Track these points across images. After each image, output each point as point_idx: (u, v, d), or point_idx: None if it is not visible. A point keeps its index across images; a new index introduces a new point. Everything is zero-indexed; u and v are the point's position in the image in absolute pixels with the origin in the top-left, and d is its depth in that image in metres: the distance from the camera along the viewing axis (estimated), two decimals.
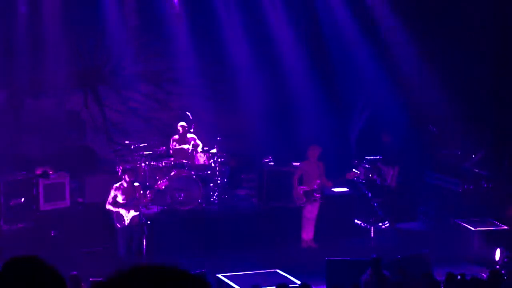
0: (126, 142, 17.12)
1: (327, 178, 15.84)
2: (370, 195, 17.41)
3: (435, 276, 11.44)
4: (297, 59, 19.00)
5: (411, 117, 18.68)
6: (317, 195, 15.81)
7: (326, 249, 15.38)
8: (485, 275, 12.10)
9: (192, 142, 16.67)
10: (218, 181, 16.93)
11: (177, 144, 16.70)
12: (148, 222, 13.80)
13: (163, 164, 16.41)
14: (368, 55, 18.75)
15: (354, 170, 16.64)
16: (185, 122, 16.84)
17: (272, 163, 17.34)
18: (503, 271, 12.33)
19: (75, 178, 16.22)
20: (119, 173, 15.33)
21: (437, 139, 18.39)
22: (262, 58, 18.77)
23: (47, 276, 3.04)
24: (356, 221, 17.27)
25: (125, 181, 13.99)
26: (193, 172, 16.30)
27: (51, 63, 17.52)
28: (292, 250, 15.67)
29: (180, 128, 16.74)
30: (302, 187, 15.84)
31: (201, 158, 16.81)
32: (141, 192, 14.21)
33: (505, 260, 14.33)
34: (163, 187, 15.96)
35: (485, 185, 17.39)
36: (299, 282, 11.90)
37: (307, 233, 16.03)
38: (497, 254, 14.64)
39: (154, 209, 16.06)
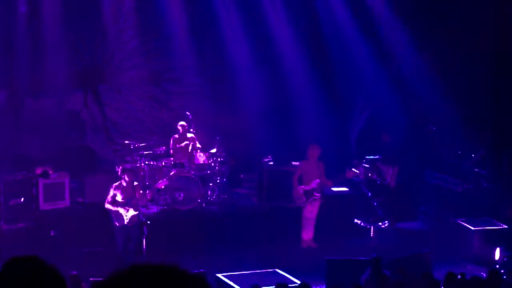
0: (126, 142, 17.13)
1: (327, 178, 15.85)
2: (370, 194, 17.42)
3: (435, 276, 11.44)
4: (297, 59, 19.00)
5: (411, 117, 18.68)
6: (317, 194, 15.82)
7: (326, 248, 15.39)
8: (485, 275, 12.10)
9: (191, 143, 16.69)
10: (218, 181, 16.93)
11: (177, 145, 16.70)
12: (148, 222, 13.79)
13: (163, 164, 16.41)
14: (368, 55, 18.75)
15: (353, 169, 16.64)
16: (185, 122, 16.85)
17: (272, 163, 17.34)
18: (502, 271, 12.34)
19: (75, 178, 16.22)
20: (119, 173, 15.33)
21: (437, 139, 18.39)
22: (262, 58, 18.77)
23: (47, 276, 3.04)
24: (356, 220, 17.27)
25: (125, 180, 13.99)
26: (192, 172, 16.30)
27: (51, 63, 17.52)
28: (292, 250, 15.67)
29: (180, 128, 16.75)
30: (302, 186, 15.85)
31: (201, 158, 16.81)
32: (141, 192, 14.21)
33: (505, 259, 14.33)
34: (163, 187, 15.97)
35: (485, 185, 17.40)
36: (299, 282, 11.89)
37: (307, 233, 16.03)
38: (497, 254, 14.65)
39: (154, 209, 16.06)
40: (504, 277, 11.82)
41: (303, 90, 18.99)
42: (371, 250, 13.98)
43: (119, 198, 13.91)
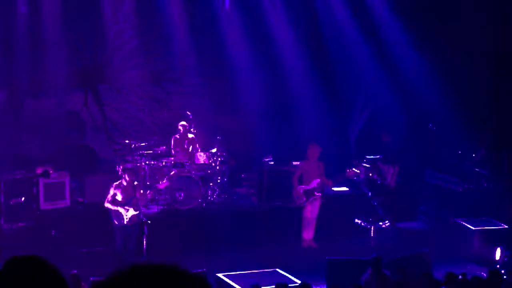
0: (126, 141, 17.13)
1: (327, 178, 15.85)
2: (370, 194, 17.41)
3: (435, 276, 11.44)
4: (297, 59, 19.00)
5: (411, 117, 18.69)
6: (318, 194, 15.82)
7: (326, 248, 15.38)
8: (485, 275, 12.10)
9: (191, 145, 16.71)
10: (218, 181, 16.94)
11: (179, 146, 16.71)
12: (148, 221, 13.79)
13: (163, 164, 16.42)
14: (368, 55, 18.76)
15: (353, 169, 16.64)
16: (186, 122, 16.85)
17: (272, 163, 17.34)
18: (503, 271, 12.34)
19: (75, 177, 16.22)
20: (119, 173, 15.33)
21: (437, 139, 18.39)
22: (262, 58, 18.77)
23: (48, 276, 3.04)
24: (356, 220, 17.27)
25: (125, 180, 13.98)
26: (193, 172, 16.30)
27: (51, 63, 17.52)
28: (292, 250, 15.67)
29: (181, 128, 16.76)
30: (302, 186, 15.85)
31: (201, 158, 16.81)
32: (141, 191, 14.21)
33: (505, 259, 14.33)
34: (163, 188, 15.96)
35: (485, 185, 17.40)
36: (299, 282, 11.90)
37: (308, 233, 16.04)
38: (497, 254, 14.65)
39: (154, 208, 16.06)
40: (505, 277, 11.82)
41: (303, 90, 18.99)
42: (371, 250, 13.98)
43: (119, 197, 13.90)
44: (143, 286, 2.65)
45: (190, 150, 16.67)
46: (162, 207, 16.11)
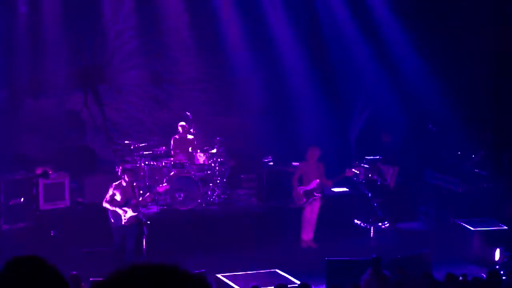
0: (126, 142, 17.13)
1: (326, 178, 15.84)
2: (370, 195, 17.41)
3: (435, 276, 11.43)
4: (297, 59, 19.00)
5: (411, 117, 18.68)
6: (317, 194, 15.81)
7: (326, 249, 15.38)
8: (485, 275, 12.10)
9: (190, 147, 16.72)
10: (218, 181, 16.93)
11: (179, 146, 16.71)
12: (148, 221, 13.78)
13: (163, 164, 16.41)
14: (368, 55, 18.76)
15: (353, 169, 16.63)
16: (185, 122, 16.85)
17: (271, 163, 17.34)
18: (502, 271, 12.33)
19: (75, 178, 16.22)
20: (119, 173, 15.32)
21: (437, 139, 18.39)
22: (262, 58, 18.77)
23: (48, 276, 3.04)
24: (356, 221, 17.27)
25: (124, 180, 13.97)
26: (192, 172, 16.30)
27: (51, 63, 17.53)
28: (292, 250, 15.67)
29: (180, 128, 16.77)
30: (301, 187, 15.85)
31: (201, 158, 16.82)
32: (141, 192, 14.20)
33: (505, 260, 14.33)
34: (163, 191, 15.92)
35: (485, 186, 17.39)
36: (298, 282, 11.89)
37: (307, 233, 16.03)
38: (497, 254, 14.64)
39: (154, 209, 16.06)
40: (504, 278, 11.81)
41: (303, 90, 18.99)
42: (371, 250, 13.97)
43: (118, 198, 13.88)
44: (143, 286, 2.64)
45: (190, 151, 16.67)
46: (161, 207, 16.11)
